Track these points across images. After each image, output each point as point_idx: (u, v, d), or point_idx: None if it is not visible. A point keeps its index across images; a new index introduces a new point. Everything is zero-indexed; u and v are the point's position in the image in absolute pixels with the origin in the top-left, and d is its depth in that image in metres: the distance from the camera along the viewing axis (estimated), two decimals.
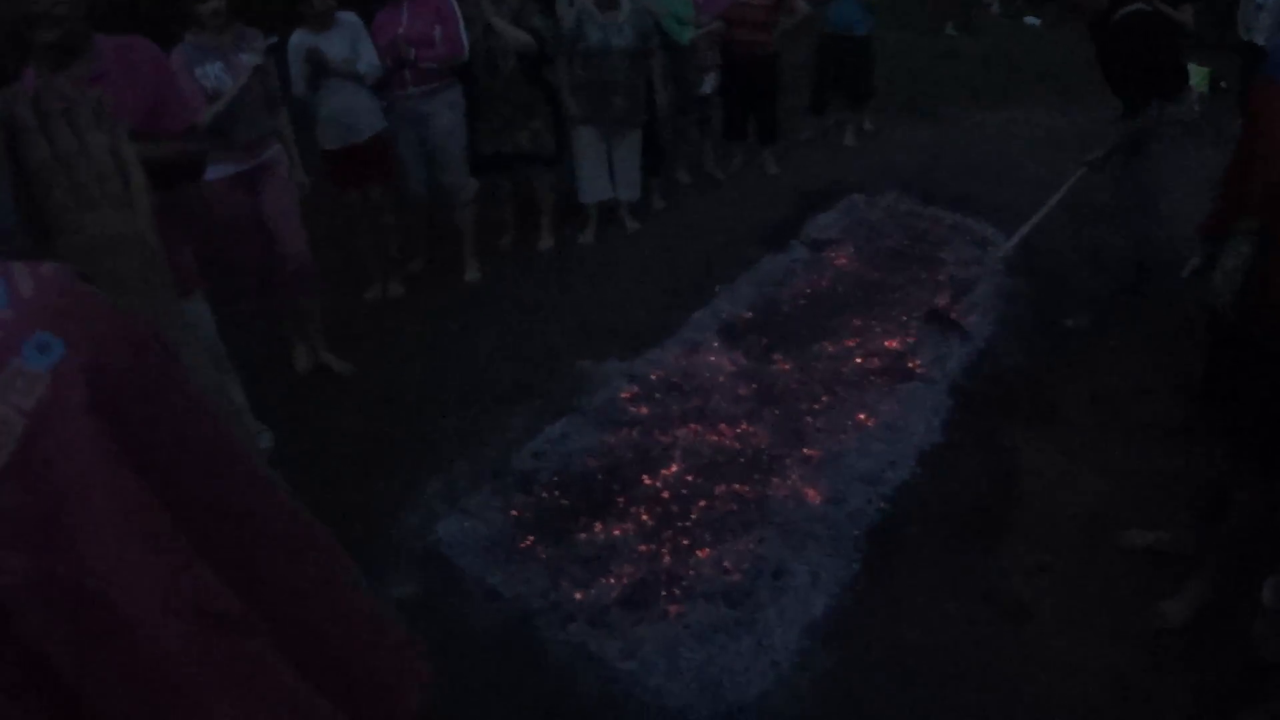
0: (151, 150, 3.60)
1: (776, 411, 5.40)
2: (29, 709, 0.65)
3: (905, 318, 6.45)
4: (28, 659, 0.63)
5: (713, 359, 5.96)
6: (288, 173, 5.78)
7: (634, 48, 7.44)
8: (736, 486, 4.79)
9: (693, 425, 5.28)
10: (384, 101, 6.86)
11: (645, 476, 4.89)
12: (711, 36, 8.65)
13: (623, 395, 5.58)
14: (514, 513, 4.68)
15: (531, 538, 4.50)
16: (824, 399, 5.52)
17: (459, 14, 6.87)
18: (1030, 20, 17.12)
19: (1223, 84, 11.52)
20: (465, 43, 6.86)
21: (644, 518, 4.61)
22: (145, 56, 3.75)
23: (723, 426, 5.27)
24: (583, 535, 4.50)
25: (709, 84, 8.92)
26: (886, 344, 6.13)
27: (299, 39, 6.32)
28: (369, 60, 6.45)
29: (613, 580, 4.21)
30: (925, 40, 15.05)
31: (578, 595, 4.14)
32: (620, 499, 4.74)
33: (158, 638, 0.63)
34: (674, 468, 4.95)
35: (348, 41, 6.38)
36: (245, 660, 0.68)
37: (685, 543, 4.43)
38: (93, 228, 0.98)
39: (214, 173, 5.43)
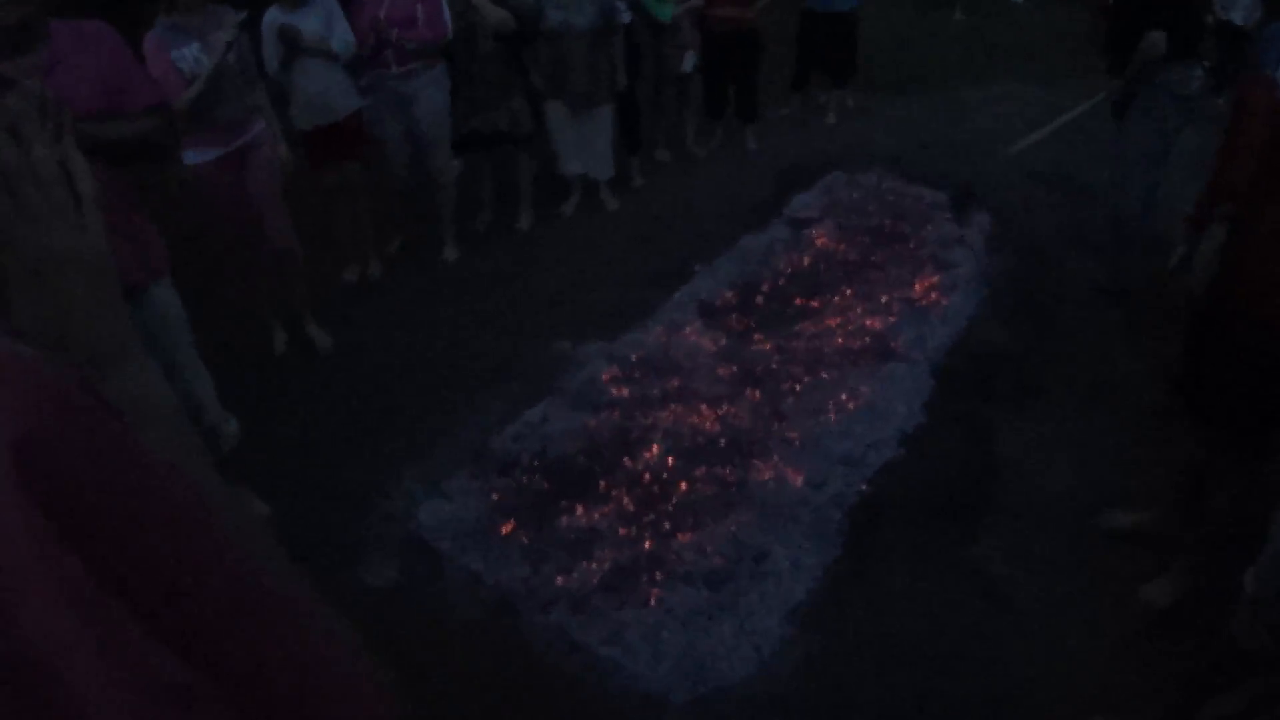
0: (110, 130, 3.56)
1: (757, 393, 5.38)
2: None
3: (886, 297, 6.42)
4: None
5: (693, 339, 5.94)
6: (272, 150, 5.72)
7: (596, 26, 7.40)
8: (718, 469, 4.77)
9: (673, 407, 5.25)
10: (364, 81, 6.81)
11: (626, 459, 4.86)
12: (692, 13, 8.61)
13: (603, 377, 5.55)
14: (494, 496, 4.65)
15: (512, 522, 4.48)
16: (805, 380, 5.49)
17: None
18: None
19: (1205, 63, 11.51)
20: (448, 23, 6.80)
21: (625, 501, 4.58)
22: (101, 40, 3.69)
23: (703, 408, 5.24)
24: (564, 519, 4.47)
25: (689, 61, 8.88)
26: (868, 324, 6.09)
27: (272, 16, 6.21)
28: (342, 37, 6.36)
29: (594, 565, 4.19)
30: (907, 16, 15.00)
31: (559, 580, 4.12)
32: (601, 482, 4.71)
33: (105, 711, 0.60)
34: (655, 450, 4.92)
35: (322, 18, 6.29)
36: None
37: (666, 526, 4.41)
38: (38, 244, 0.94)
39: (199, 156, 5.41)
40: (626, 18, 7.76)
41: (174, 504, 0.72)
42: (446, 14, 6.78)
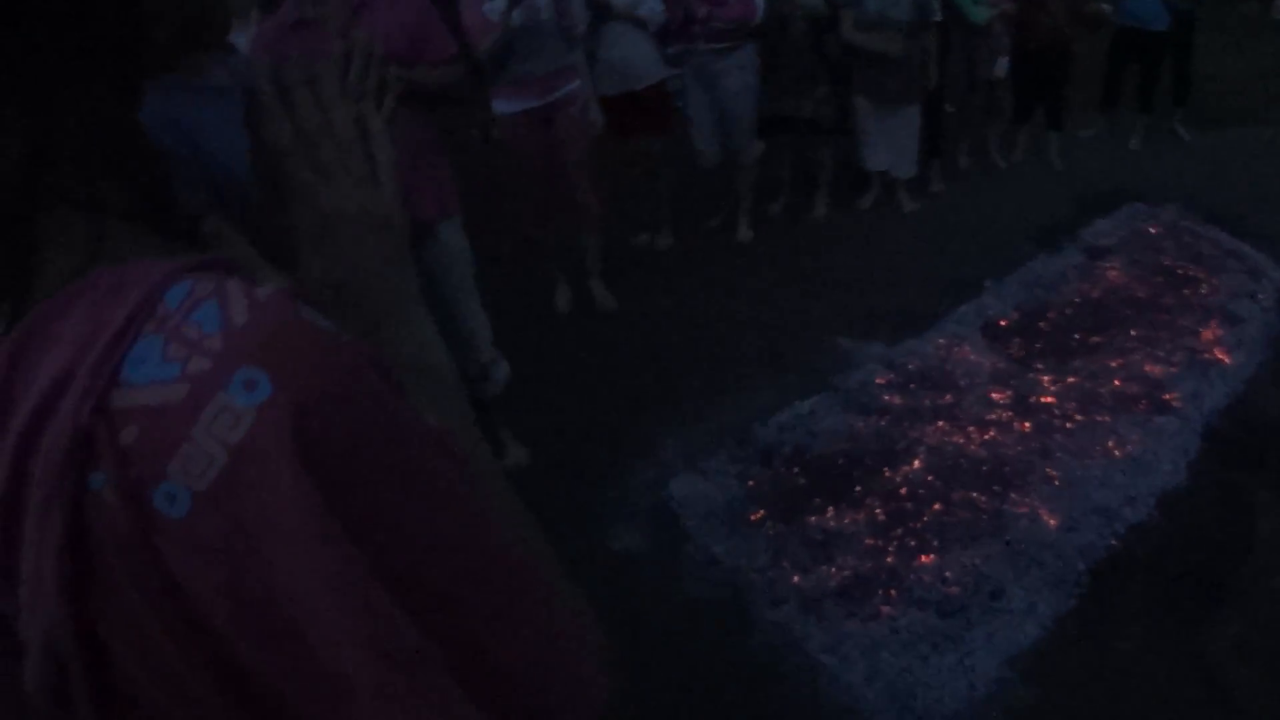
0: (416, 75, 3.81)
1: (1027, 424, 5.34)
2: (227, 706, 0.69)
3: (1169, 345, 6.27)
4: (223, 667, 0.67)
5: (972, 357, 5.93)
6: (583, 110, 5.85)
7: (911, 20, 7.38)
8: (974, 495, 4.76)
9: (941, 423, 5.27)
10: (672, 52, 6.89)
11: (886, 469, 4.90)
12: (1006, 18, 8.49)
13: (877, 381, 5.59)
14: (750, 483, 4.76)
15: (762, 511, 4.58)
16: (1077, 418, 5.41)
17: None
18: None
19: None
20: (759, 4, 6.83)
21: (876, 511, 4.62)
22: None
23: (971, 430, 5.24)
24: (812, 518, 4.54)
25: (1001, 67, 8.77)
26: (1147, 369, 5.96)
27: None
28: (652, 5, 6.42)
29: (833, 569, 4.25)
30: (1235, 43, 14.24)
31: (795, 578, 4.20)
32: (857, 488, 4.76)
33: (341, 667, 0.66)
34: (916, 464, 4.95)
35: None
36: (424, 694, 0.69)
37: (912, 544, 4.43)
38: (332, 202, 0.97)
39: (507, 107, 5.59)
40: (939, 16, 7.73)
41: (436, 480, 0.76)
42: None
